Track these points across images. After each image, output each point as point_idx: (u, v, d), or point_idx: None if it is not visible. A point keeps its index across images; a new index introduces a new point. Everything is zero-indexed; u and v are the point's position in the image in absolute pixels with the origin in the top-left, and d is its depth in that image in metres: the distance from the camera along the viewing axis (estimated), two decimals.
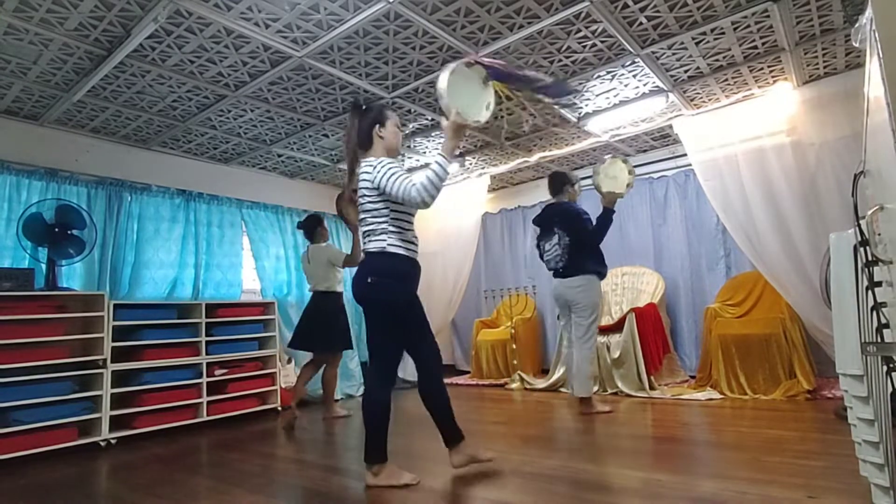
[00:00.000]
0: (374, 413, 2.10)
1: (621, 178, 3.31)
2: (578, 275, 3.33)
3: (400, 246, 2.08)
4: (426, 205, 1.99)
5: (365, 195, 2.11)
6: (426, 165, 1.93)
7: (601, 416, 3.22)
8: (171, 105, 3.34)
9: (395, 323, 2.11)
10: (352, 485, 2.19)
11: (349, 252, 3.62)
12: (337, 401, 3.93)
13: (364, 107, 2.22)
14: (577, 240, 3.33)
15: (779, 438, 2.48)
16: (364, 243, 2.14)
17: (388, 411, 2.12)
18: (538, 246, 3.56)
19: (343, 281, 3.84)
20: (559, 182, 3.52)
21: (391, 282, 2.08)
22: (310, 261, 3.77)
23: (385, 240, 2.07)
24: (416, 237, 2.18)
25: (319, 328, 3.60)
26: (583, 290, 3.32)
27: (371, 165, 2.08)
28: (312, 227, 3.85)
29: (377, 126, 2.16)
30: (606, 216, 3.26)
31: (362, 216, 2.14)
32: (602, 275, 3.40)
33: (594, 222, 3.33)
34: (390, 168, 2.03)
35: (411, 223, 2.17)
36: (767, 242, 3.60)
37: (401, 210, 2.10)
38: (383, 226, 2.08)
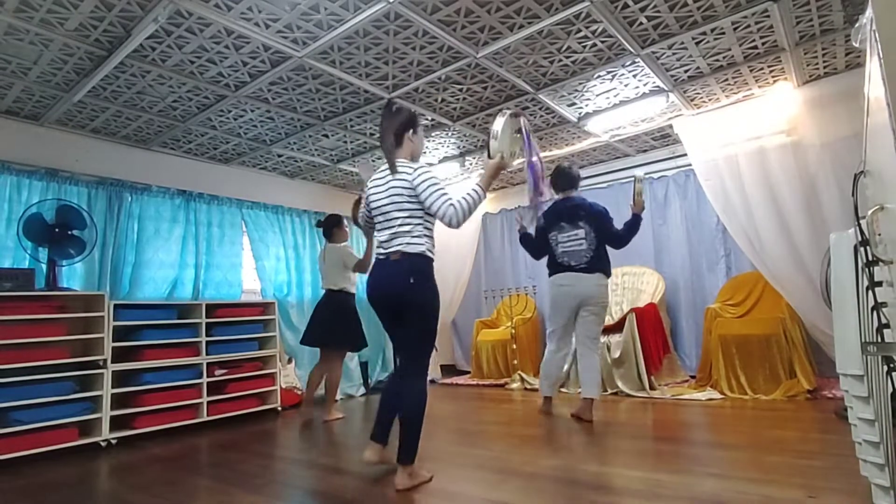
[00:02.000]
0: (422, 409, 2.12)
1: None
2: (601, 273, 3.18)
3: (433, 251, 2.15)
4: (456, 225, 2.05)
5: (400, 194, 2.10)
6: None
7: (600, 417, 3.22)
8: (171, 105, 3.34)
9: (434, 321, 2.16)
10: (352, 485, 2.19)
11: (361, 257, 3.64)
12: (336, 401, 3.92)
13: (396, 107, 2.25)
14: (604, 239, 3.20)
15: (779, 438, 2.48)
16: (394, 243, 2.11)
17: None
18: (548, 237, 3.32)
19: (356, 283, 3.84)
20: (574, 178, 3.36)
21: (431, 285, 2.13)
22: (325, 259, 3.77)
23: (424, 244, 2.10)
24: None
25: (334, 326, 3.60)
26: (605, 288, 3.20)
27: (409, 167, 2.12)
28: (330, 226, 3.85)
29: (410, 131, 2.23)
30: (636, 221, 3.15)
31: (393, 215, 2.12)
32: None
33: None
34: (431, 177, 2.08)
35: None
36: (768, 242, 3.60)
37: (432, 215, 2.13)
38: (419, 228, 2.10)
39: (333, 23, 2.50)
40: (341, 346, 3.72)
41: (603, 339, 4.05)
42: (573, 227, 3.24)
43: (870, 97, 1.31)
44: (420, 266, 2.09)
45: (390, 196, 2.12)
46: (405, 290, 2.06)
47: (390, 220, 2.13)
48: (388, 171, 2.17)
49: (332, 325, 3.62)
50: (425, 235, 2.12)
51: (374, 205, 2.20)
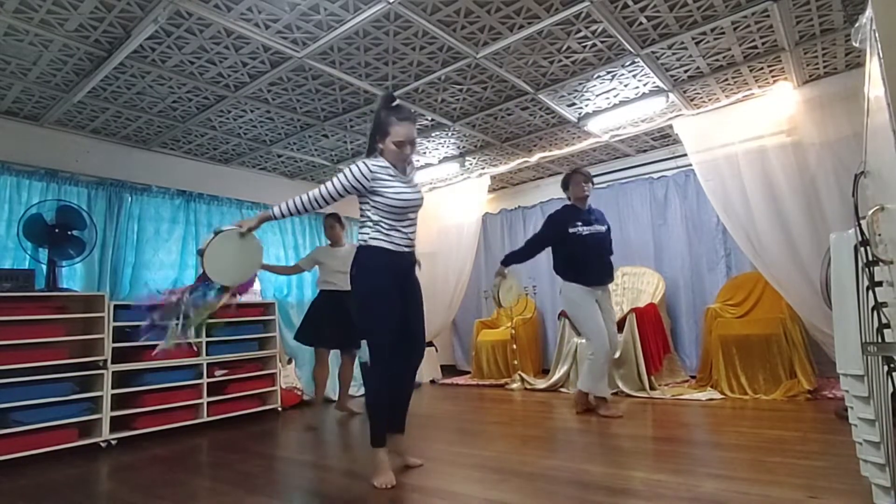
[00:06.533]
0: (371, 395, 2.31)
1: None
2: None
3: (380, 239, 2.20)
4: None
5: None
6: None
7: (601, 416, 3.22)
8: (171, 106, 3.34)
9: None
10: (352, 485, 2.18)
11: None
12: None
13: (391, 103, 2.24)
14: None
15: (779, 439, 2.48)
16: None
17: None
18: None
19: None
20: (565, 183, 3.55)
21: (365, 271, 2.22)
22: (336, 259, 3.75)
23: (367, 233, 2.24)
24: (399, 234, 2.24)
25: (351, 326, 3.59)
26: (563, 297, 3.47)
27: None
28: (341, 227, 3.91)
29: (377, 136, 2.24)
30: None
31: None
32: (574, 279, 3.34)
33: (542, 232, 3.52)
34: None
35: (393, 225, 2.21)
36: (768, 242, 3.60)
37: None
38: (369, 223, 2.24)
39: (333, 23, 2.50)
40: (355, 345, 3.75)
41: None
42: None
43: (870, 97, 1.31)
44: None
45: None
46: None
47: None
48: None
49: (349, 326, 3.59)
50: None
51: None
